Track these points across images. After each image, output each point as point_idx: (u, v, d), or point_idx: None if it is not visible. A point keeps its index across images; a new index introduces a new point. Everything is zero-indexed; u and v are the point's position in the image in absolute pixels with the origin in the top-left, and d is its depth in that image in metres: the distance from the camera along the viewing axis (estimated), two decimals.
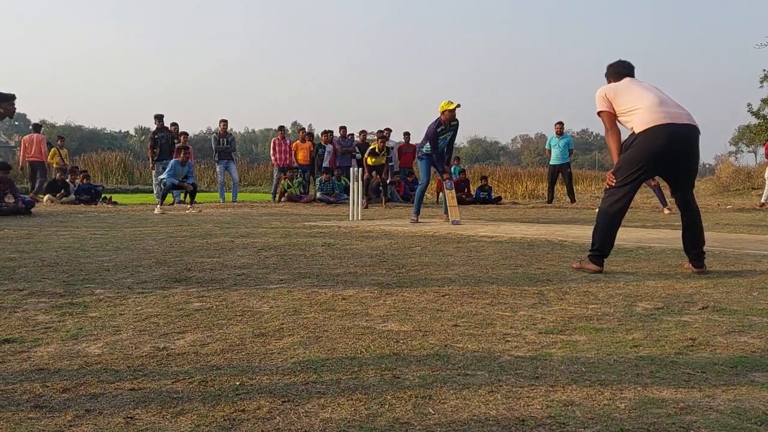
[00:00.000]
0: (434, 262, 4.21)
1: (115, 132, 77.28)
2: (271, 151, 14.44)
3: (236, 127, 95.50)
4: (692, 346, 2.18)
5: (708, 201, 15.03)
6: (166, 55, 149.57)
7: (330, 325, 2.47)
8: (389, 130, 14.85)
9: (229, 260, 4.27)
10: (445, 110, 7.81)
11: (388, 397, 1.68)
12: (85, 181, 12.91)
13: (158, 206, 10.11)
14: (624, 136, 3.92)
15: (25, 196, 10.26)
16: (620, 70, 4.09)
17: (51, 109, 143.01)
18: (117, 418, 1.53)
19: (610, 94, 3.92)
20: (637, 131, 3.75)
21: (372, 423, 1.51)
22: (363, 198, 11.81)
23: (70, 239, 5.62)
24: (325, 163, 13.94)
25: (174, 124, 13.40)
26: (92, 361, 2.01)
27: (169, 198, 12.21)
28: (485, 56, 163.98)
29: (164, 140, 12.56)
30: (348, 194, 10.15)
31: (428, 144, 8.01)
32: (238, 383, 1.79)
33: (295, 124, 72.02)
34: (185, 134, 13.07)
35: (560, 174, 13.46)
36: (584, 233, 6.27)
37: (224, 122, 13.64)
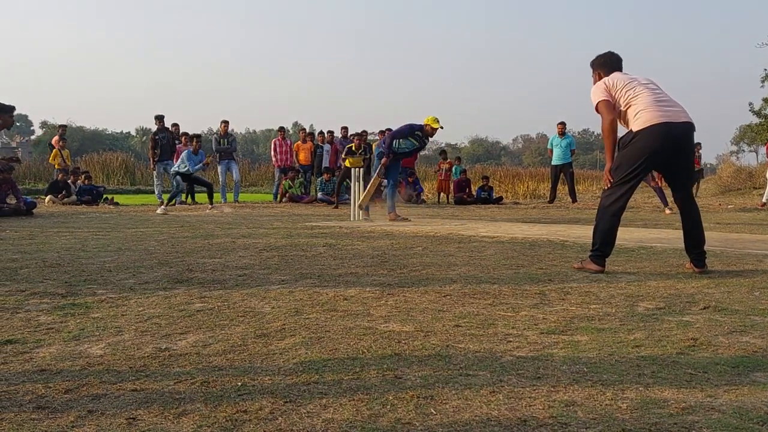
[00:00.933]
0: (436, 263, 4.21)
1: (117, 133, 77.40)
2: (272, 152, 14.45)
3: (237, 127, 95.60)
4: (694, 346, 2.18)
5: (709, 201, 15.02)
6: (167, 56, 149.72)
7: (332, 326, 2.47)
8: (389, 131, 14.87)
9: (231, 261, 4.27)
10: (428, 125, 8.19)
11: (390, 398, 1.68)
12: (86, 182, 12.93)
13: (160, 207, 10.13)
14: (621, 134, 3.92)
15: (27, 197, 10.27)
16: (609, 63, 4.03)
17: (52, 109, 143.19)
18: (119, 419, 1.54)
19: (610, 84, 3.87)
20: (635, 130, 3.74)
21: (374, 423, 1.51)
22: (334, 197, 11.97)
23: (72, 240, 5.63)
24: (325, 163, 13.96)
25: (175, 125, 13.41)
26: (94, 361, 2.01)
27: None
28: (487, 56, 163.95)
29: (165, 141, 12.57)
30: (349, 194, 10.17)
31: (392, 139, 8.26)
32: (240, 384, 1.79)
33: (296, 124, 72.06)
34: (186, 135, 13.08)
35: (562, 174, 13.46)
36: (586, 233, 6.27)
37: (225, 123, 13.64)
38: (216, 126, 13.96)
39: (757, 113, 23.84)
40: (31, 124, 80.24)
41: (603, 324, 2.50)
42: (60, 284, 3.37)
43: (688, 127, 3.73)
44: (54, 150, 14.43)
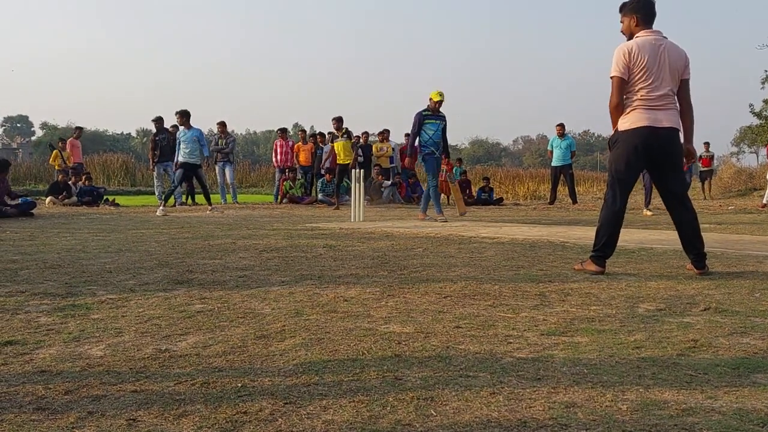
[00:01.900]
0: (436, 264, 4.21)
1: (117, 134, 77.47)
2: (273, 153, 14.47)
3: (238, 128, 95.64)
4: (694, 347, 2.18)
5: (710, 202, 15.01)
6: (168, 57, 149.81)
7: (332, 327, 2.47)
8: (387, 131, 14.94)
9: (231, 262, 4.27)
10: (430, 100, 8.30)
11: (390, 399, 1.68)
12: (87, 183, 12.93)
13: (160, 208, 10.13)
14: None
15: (27, 197, 10.28)
16: (645, 9, 3.77)
17: (53, 110, 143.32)
18: (119, 420, 1.54)
19: (634, 52, 3.69)
20: (620, 129, 3.81)
21: (374, 425, 1.51)
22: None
23: (73, 241, 5.63)
24: (326, 164, 13.98)
25: (174, 126, 13.42)
26: (94, 363, 2.01)
27: (171, 200, 12.22)
28: (488, 56, 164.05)
29: (165, 142, 12.58)
30: (349, 195, 10.16)
31: (420, 138, 8.34)
32: (240, 385, 1.79)
33: (296, 125, 72.10)
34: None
35: (562, 175, 13.47)
36: (586, 234, 6.27)
37: (221, 124, 13.70)
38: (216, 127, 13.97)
39: (758, 114, 23.81)
40: (31, 125, 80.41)
41: (603, 325, 2.50)
42: (60, 285, 3.37)
43: (671, 132, 3.74)
44: (54, 151, 14.44)
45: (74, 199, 12.30)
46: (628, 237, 5.92)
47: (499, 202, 14.77)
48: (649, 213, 10.20)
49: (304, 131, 16.46)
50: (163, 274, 3.73)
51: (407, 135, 14.81)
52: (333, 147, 12.53)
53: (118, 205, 12.44)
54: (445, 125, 8.47)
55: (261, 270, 3.91)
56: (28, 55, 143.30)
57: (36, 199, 11.84)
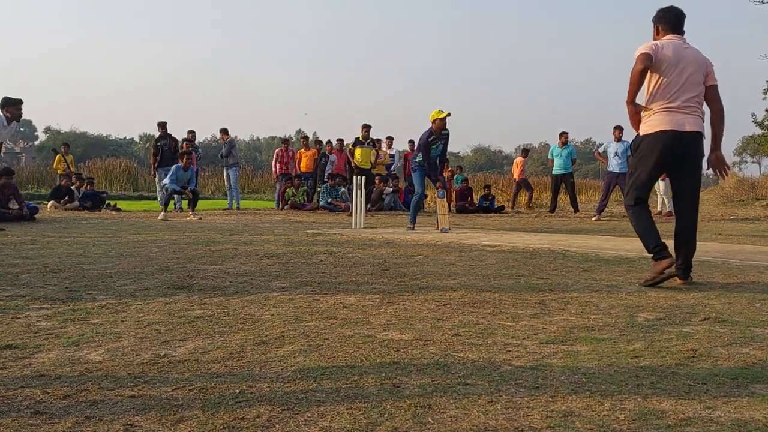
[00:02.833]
0: (436, 271, 4.21)
1: (120, 139, 77.60)
2: (273, 161, 14.57)
3: (241, 134, 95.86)
4: (693, 357, 2.18)
5: (712, 211, 15.00)
6: (172, 63, 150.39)
7: (330, 334, 2.47)
8: (391, 138, 15.01)
9: (232, 268, 4.28)
10: (436, 119, 7.98)
11: (388, 406, 1.68)
12: (89, 187, 12.95)
13: (161, 213, 10.14)
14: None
15: (29, 202, 10.30)
16: (670, 18, 3.86)
17: (56, 115, 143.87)
18: (117, 425, 1.54)
19: (660, 46, 3.72)
20: (642, 133, 3.82)
21: None
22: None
23: (74, 245, 5.64)
24: (329, 171, 14.05)
25: (191, 131, 13.52)
26: (93, 367, 2.01)
27: (170, 205, 12.24)
28: (490, 65, 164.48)
29: (166, 147, 12.62)
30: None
31: (420, 154, 8.13)
32: (238, 391, 1.79)
33: (299, 132, 72.20)
34: (187, 142, 13.14)
35: (563, 184, 13.48)
36: (587, 243, 6.27)
37: (222, 130, 13.85)
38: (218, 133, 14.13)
39: (760, 124, 23.85)
40: (35, 129, 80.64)
41: (603, 334, 2.50)
42: (60, 290, 3.37)
43: (695, 136, 3.74)
44: (57, 155, 14.50)
45: (76, 203, 12.32)
46: (628, 245, 5.92)
47: (500, 209, 14.76)
48: (594, 219, 10.70)
49: (306, 137, 16.51)
50: (164, 280, 3.74)
51: (410, 141, 14.93)
52: (345, 153, 12.61)
53: (119, 209, 12.46)
54: (446, 143, 8.33)
55: (261, 276, 3.92)
56: (30, 57, 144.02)
57: (38, 203, 11.88)
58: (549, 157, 14.00)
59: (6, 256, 4.79)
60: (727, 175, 4.07)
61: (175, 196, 11.33)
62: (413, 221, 8.26)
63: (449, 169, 16.05)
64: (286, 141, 15.22)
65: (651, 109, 3.79)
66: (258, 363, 2.07)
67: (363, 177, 9.39)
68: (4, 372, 1.96)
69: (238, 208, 13.46)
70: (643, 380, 1.91)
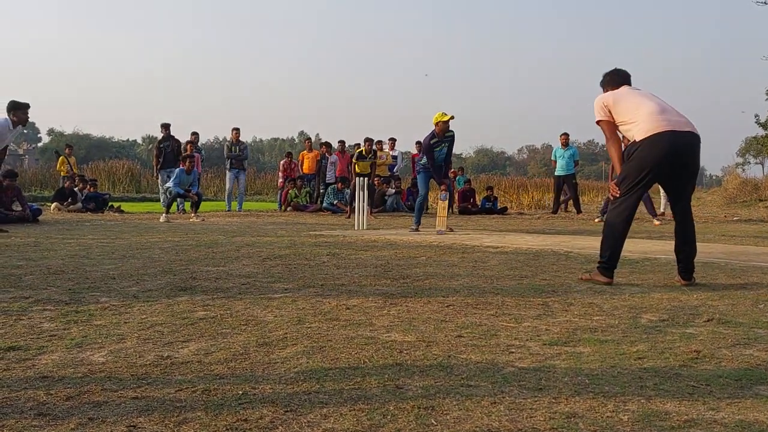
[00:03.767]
0: (439, 273, 4.21)
1: (123, 140, 77.76)
2: (279, 172, 14.68)
3: (244, 135, 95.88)
4: (697, 358, 2.17)
5: (715, 212, 14.97)
6: (176, 64, 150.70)
7: (333, 335, 2.47)
8: (394, 140, 15.03)
9: (234, 269, 4.28)
10: (439, 122, 7.96)
11: (391, 408, 1.67)
12: (92, 189, 12.98)
13: (163, 215, 10.15)
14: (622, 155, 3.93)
15: (33, 204, 10.32)
16: (617, 79, 4.08)
17: (59, 117, 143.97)
18: (120, 427, 1.54)
19: (609, 102, 3.89)
20: (638, 139, 3.73)
21: None
22: (347, 206, 11.92)
23: (77, 247, 5.65)
24: (330, 173, 14.07)
25: (194, 133, 13.51)
26: (96, 369, 2.02)
27: (173, 207, 12.25)
28: (493, 66, 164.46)
29: (169, 149, 12.62)
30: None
31: (426, 157, 8.11)
32: (241, 392, 1.79)
33: (302, 133, 72.31)
34: (190, 143, 13.14)
35: (565, 185, 13.47)
36: (590, 244, 6.26)
37: (236, 130, 13.76)
38: (223, 134, 14.13)
39: (763, 125, 23.82)
40: (38, 131, 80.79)
41: (606, 336, 2.49)
42: (63, 291, 3.38)
43: (693, 137, 3.72)
44: (61, 157, 14.53)
45: (79, 205, 12.34)
46: (631, 247, 5.91)
47: (503, 211, 14.74)
48: (657, 222, 10.22)
49: (309, 139, 16.52)
50: (167, 281, 3.74)
51: (418, 143, 14.94)
52: (356, 165, 12.61)
53: (122, 211, 12.48)
54: (451, 145, 8.24)
55: (264, 278, 3.92)
56: (32, 59, 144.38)
57: (41, 205, 11.91)
58: (552, 158, 13.98)
59: (9, 258, 4.80)
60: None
61: (178, 198, 11.35)
62: (417, 223, 8.27)
63: (452, 170, 16.05)
64: (289, 154, 15.47)
65: (641, 121, 3.76)
66: (261, 364, 2.07)
67: (365, 179, 9.40)
68: (8, 373, 1.96)
69: (239, 210, 13.46)
70: (646, 381, 1.91)
